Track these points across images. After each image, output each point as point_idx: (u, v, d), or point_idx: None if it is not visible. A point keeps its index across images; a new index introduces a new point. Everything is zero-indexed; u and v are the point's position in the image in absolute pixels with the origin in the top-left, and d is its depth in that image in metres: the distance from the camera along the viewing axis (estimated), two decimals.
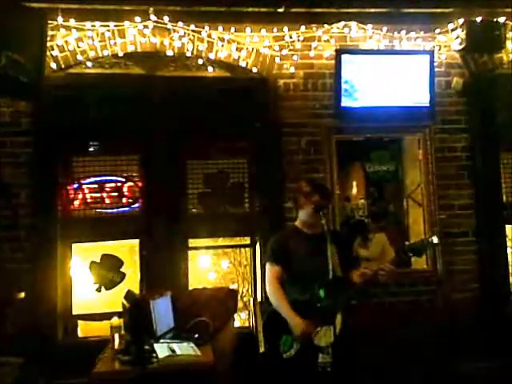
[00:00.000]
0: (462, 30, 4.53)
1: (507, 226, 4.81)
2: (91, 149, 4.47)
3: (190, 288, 4.34)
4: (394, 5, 4.51)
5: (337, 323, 2.94)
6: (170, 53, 4.35)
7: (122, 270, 4.17)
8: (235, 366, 3.68)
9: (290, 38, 4.48)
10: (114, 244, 4.45)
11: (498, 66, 4.79)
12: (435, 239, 3.08)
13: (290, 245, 3.21)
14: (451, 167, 4.70)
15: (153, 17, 4.25)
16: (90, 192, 4.40)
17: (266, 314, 3.26)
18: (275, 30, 4.48)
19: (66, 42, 4.22)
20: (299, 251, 3.18)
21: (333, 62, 4.52)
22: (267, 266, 3.26)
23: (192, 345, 3.38)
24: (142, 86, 4.35)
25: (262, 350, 3.15)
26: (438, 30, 4.67)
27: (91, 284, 4.13)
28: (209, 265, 4.95)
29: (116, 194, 4.42)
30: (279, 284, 3.15)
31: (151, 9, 4.23)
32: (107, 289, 4.14)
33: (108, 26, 4.23)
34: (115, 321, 3.48)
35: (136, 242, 4.47)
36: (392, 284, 4.33)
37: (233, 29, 4.40)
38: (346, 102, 4.49)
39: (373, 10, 4.53)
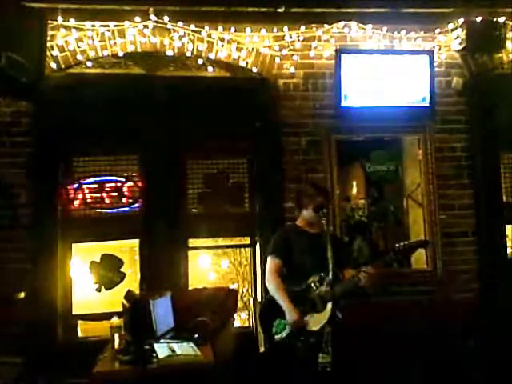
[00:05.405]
0: (462, 30, 4.53)
1: (507, 226, 4.80)
2: (91, 149, 4.46)
3: (190, 288, 4.35)
4: (394, 5, 4.51)
5: (327, 310, 3.08)
6: (169, 53, 4.35)
7: (121, 269, 4.19)
8: (235, 366, 3.68)
9: (290, 37, 4.48)
10: (113, 244, 4.46)
11: (497, 66, 4.79)
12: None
13: (292, 241, 3.35)
14: (451, 167, 4.70)
15: (153, 17, 4.25)
16: (90, 192, 4.40)
17: (264, 301, 3.41)
18: (275, 29, 4.48)
19: (66, 41, 4.23)
20: (300, 248, 3.31)
21: (333, 61, 4.52)
22: (269, 258, 3.37)
23: (192, 345, 3.38)
24: (142, 86, 4.34)
25: (261, 349, 3.18)
26: (438, 30, 4.66)
27: (91, 284, 4.16)
28: (209, 265, 4.96)
29: (116, 194, 4.43)
30: (278, 276, 3.27)
31: (151, 9, 4.23)
32: (107, 289, 4.15)
33: (108, 25, 4.23)
34: (115, 321, 3.47)
35: (136, 242, 4.48)
36: (393, 284, 4.37)
37: (233, 29, 4.40)
38: (345, 102, 4.49)
39: (373, 10, 4.52)
